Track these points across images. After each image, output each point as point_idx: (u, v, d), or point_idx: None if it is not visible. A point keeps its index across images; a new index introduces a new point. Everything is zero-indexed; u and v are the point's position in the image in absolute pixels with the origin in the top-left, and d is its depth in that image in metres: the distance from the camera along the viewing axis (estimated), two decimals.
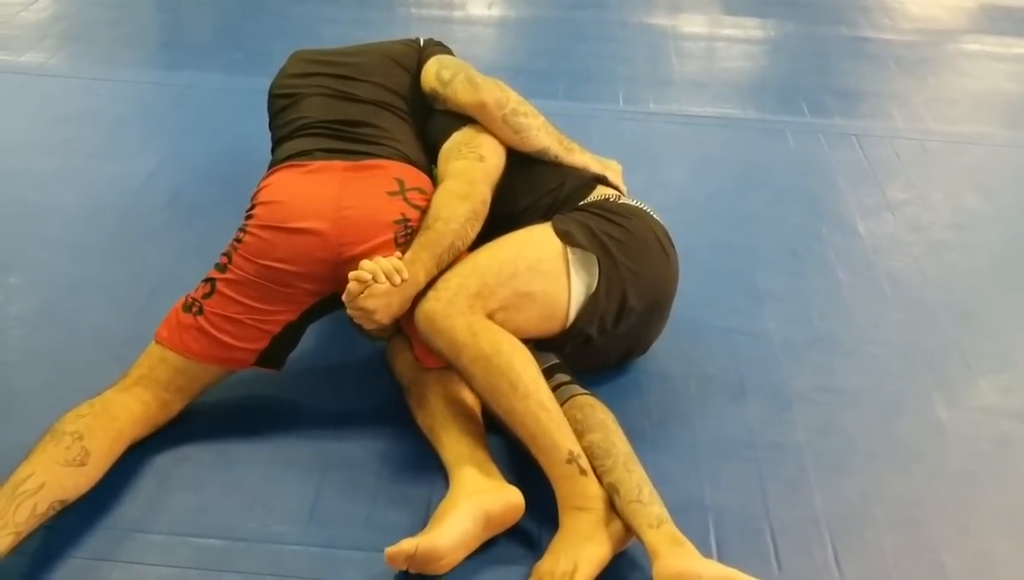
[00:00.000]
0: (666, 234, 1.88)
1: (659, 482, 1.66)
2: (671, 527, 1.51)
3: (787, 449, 1.80)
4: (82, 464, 1.55)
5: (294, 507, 1.61)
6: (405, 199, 1.76)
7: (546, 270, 1.74)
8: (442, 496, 1.60)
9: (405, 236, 1.73)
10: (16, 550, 1.44)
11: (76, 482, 1.54)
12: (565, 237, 1.76)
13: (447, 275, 1.70)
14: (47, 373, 1.88)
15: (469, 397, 1.75)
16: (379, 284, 1.62)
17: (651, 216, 1.88)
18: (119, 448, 1.63)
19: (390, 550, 1.45)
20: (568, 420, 1.63)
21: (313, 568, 1.51)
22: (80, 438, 1.57)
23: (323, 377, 1.91)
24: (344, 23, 3.71)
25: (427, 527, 1.51)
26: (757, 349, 2.07)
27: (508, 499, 1.55)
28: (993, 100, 3.47)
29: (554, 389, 1.67)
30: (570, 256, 1.74)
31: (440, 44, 2.17)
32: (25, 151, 2.69)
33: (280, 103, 2.07)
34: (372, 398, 1.86)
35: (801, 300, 2.24)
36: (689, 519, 1.59)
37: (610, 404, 1.84)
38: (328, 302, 1.77)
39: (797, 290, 2.27)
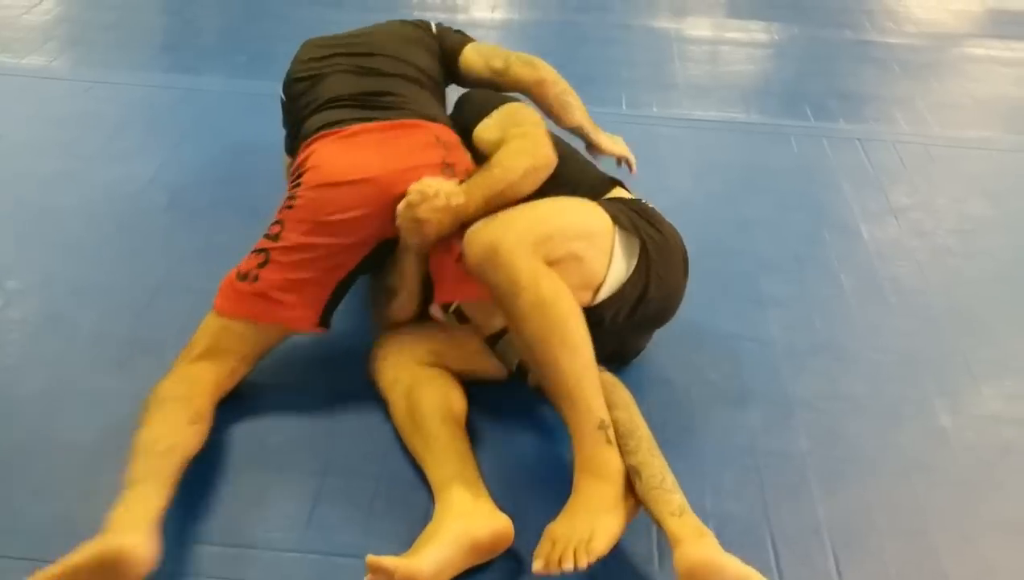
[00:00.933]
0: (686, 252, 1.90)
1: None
2: (693, 517, 1.51)
3: (789, 457, 1.79)
4: (198, 422, 1.63)
5: (292, 513, 1.60)
6: (445, 148, 1.85)
7: (598, 243, 1.74)
8: None
9: (450, 176, 1.78)
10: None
11: (199, 439, 1.62)
12: (615, 220, 1.77)
13: (513, 214, 1.69)
14: (47, 377, 1.87)
15: (456, 411, 1.73)
16: (437, 199, 1.68)
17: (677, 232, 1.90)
18: (213, 409, 1.70)
19: (372, 559, 1.40)
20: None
21: (311, 575, 1.50)
22: (189, 399, 1.65)
23: (321, 383, 1.91)
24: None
25: (412, 549, 1.48)
26: (760, 355, 2.06)
27: (496, 526, 1.51)
28: (998, 105, 3.45)
29: None
30: (617, 238, 1.75)
31: (458, 31, 2.28)
32: (26, 154, 2.68)
33: (300, 86, 2.10)
34: (371, 405, 1.85)
35: (804, 306, 2.23)
36: None
37: None
38: (378, 254, 1.83)
39: (800, 296, 2.26)
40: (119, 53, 3.42)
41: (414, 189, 1.72)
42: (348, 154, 1.84)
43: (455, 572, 1.48)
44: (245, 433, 1.77)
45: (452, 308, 1.85)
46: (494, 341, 1.81)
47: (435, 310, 1.88)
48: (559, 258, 1.66)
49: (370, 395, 1.87)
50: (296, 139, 2.01)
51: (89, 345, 1.96)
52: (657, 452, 1.59)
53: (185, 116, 2.96)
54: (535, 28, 3.97)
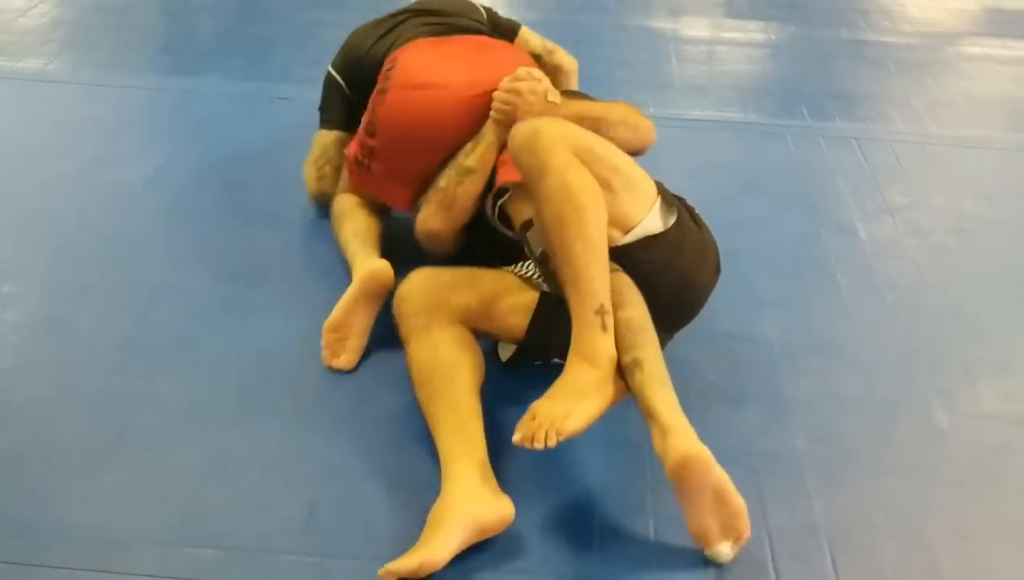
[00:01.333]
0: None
1: (657, 489, 1.66)
2: (684, 417, 1.56)
3: (786, 457, 1.79)
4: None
5: (291, 516, 1.60)
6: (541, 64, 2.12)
7: (638, 192, 1.80)
8: None
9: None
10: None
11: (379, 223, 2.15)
12: (659, 188, 1.85)
13: (570, 122, 1.76)
14: (44, 381, 1.88)
15: (480, 385, 1.75)
16: (540, 84, 1.91)
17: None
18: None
19: (393, 566, 1.44)
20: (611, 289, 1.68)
21: (310, 577, 1.50)
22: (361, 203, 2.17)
23: (319, 385, 1.91)
24: (346, 27, 3.64)
25: (424, 536, 1.50)
26: (757, 355, 2.06)
27: (502, 512, 1.55)
28: (994, 103, 3.46)
29: None
30: (658, 203, 1.81)
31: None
32: (24, 157, 2.69)
33: (375, 48, 2.30)
34: (369, 406, 1.85)
35: (801, 305, 2.23)
36: (686, 529, 1.59)
37: (609, 411, 1.84)
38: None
39: (797, 295, 2.26)
40: (117, 55, 3.42)
41: (523, 69, 1.94)
42: (437, 59, 2.08)
43: (458, 552, 1.52)
44: (243, 435, 1.77)
45: (498, 206, 1.93)
46: (526, 228, 1.83)
47: (488, 205, 1.98)
48: (597, 177, 1.70)
49: (367, 396, 1.87)
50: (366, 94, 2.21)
51: (87, 348, 1.96)
52: (662, 357, 1.64)
53: (183, 118, 2.96)
54: (533, 29, 3.96)
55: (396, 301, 1.85)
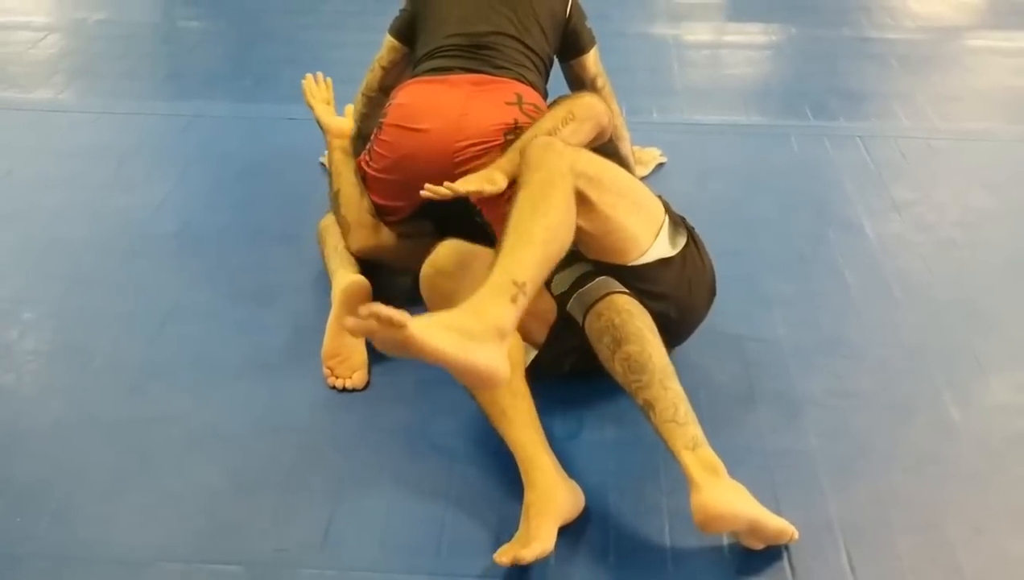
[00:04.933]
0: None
1: (671, 491, 1.67)
2: (707, 451, 1.55)
3: (799, 455, 1.80)
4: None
5: (308, 531, 1.62)
6: (521, 110, 2.06)
7: (647, 214, 1.82)
8: (454, 517, 1.63)
9: (514, 137, 1.99)
10: None
11: None
12: (667, 208, 1.88)
13: (579, 148, 1.79)
14: (62, 406, 1.90)
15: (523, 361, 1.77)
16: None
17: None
18: None
19: (509, 551, 1.48)
20: (605, 324, 1.68)
21: None
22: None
23: (332, 400, 1.92)
24: (350, 47, 3.72)
25: (533, 526, 1.53)
26: (767, 355, 2.07)
27: (580, 500, 1.63)
28: (998, 96, 3.46)
29: (586, 275, 1.76)
30: (665, 225, 1.83)
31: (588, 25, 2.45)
32: (35, 187, 2.72)
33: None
34: (383, 419, 1.87)
35: (810, 304, 2.24)
36: None
37: (619, 417, 1.86)
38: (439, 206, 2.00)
39: (806, 294, 2.27)
40: (125, 83, 3.47)
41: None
42: (432, 97, 2.11)
43: None
44: (259, 451, 1.79)
45: None
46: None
47: None
48: (604, 204, 1.71)
49: (380, 409, 1.89)
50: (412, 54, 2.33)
51: (103, 373, 1.99)
52: (671, 382, 1.62)
53: (191, 142, 3.00)
54: None
55: (428, 273, 1.83)
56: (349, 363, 1.95)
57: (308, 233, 2.41)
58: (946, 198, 2.70)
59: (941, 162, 2.91)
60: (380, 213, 2.17)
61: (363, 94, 2.45)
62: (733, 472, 1.72)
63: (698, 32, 4.06)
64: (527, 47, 2.26)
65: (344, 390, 1.93)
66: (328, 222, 2.27)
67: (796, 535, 1.58)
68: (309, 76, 2.36)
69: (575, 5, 2.39)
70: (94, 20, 4.05)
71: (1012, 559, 1.60)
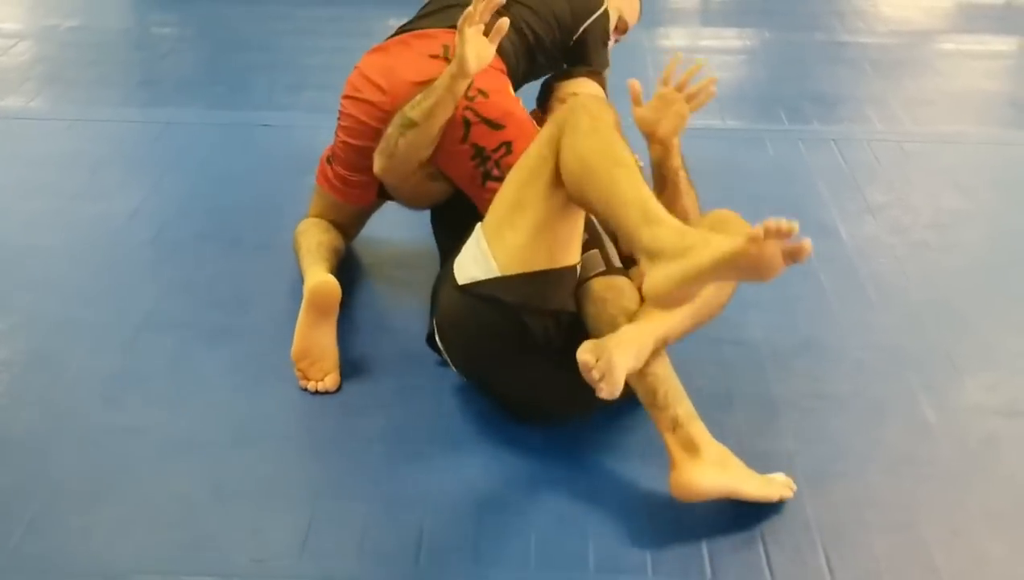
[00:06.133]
0: None
1: (650, 495, 1.68)
2: (687, 430, 1.62)
3: (777, 457, 1.80)
4: (331, 231, 2.23)
5: (286, 539, 1.61)
6: (447, 60, 2.00)
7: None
8: (432, 525, 1.63)
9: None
10: None
11: (335, 237, 2.22)
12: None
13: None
14: (37, 416, 1.88)
15: None
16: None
17: None
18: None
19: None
20: (596, 300, 1.71)
21: None
22: (318, 223, 2.25)
23: (308, 407, 1.92)
24: (326, 52, 3.73)
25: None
26: (744, 358, 2.08)
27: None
28: (970, 98, 3.50)
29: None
30: None
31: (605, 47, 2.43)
32: (7, 195, 2.70)
33: None
34: (359, 427, 1.86)
35: (786, 307, 2.25)
36: (680, 530, 1.61)
37: (599, 419, 1.86)
38: None
39: (782, 297, 2.28)
40: (98, 90, 3.44)
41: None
42: (367, 68, 2.10)
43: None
44: (236, 460, 1.77)
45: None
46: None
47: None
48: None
49: (355, 415, 1.88)
50: None
51: (77, 383, 1.97)
52: (650, 369, 1.66)
53: (165, 150, 2.98)
54: None
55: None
56: (320, 365, 1.94)
57: (283, 241, 2.39)
58: (919, 200, 2.72)
59: (914, 165, 2.94)
60: (345, 184, 2.20)
61: None
62: None
63: (673, 37, 4.07)
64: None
65: (317, 393, 1.92)
66: (304, 226, 2.26)
67: (787, 494, 1.67)
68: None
69: (595, 26, 2.36)
70: (66, 27, 4.02)
71: (989, 560, 1.61)
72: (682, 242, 1.46)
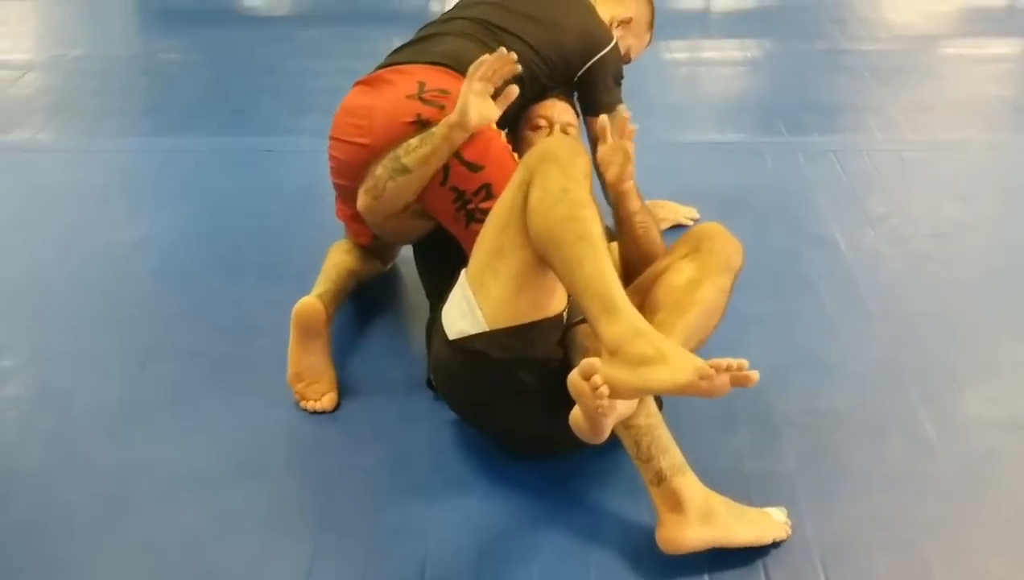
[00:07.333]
0: None
1: (651, 524, 1.68)
2: (671, 484, 1.61)
3: (777, 476, 1.81)
4: (352, 251, 2.27)
5: (291, 571, 1.62)
6: (422, 100, 1.97)
7: None
8: (435, 557, 1.64)
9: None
10: None
11: (354, 258, 2.24)
12: None
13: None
14: (45, 452, 1.90)
15: None
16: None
17: None
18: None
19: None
20: (579, 349, 1.70)
21: None
22: (339, 246, 2.29)
23: (312, 438, 1.94)
24: (332, 74, 3.73)
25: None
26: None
27: None
28: (970, 104, 3.49)
29: None
30: None
31: (617, 83, 2.35)
32: (13, 229, 2.72)
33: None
34: (362, 458, 1.88)
35: (786, 322, 2.25)
36: (681, 556, 1.61)
37: (598, 449, 1.84)
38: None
39: (781, 313, 2.29)
40: (103, 120, 3.47)
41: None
42: (348, 108, 2.07)
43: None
44: (239, 494, 1.79)
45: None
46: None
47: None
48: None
49: (358, 445, 1.90)
50: None
51: (84, 417, 1.99)
52: (633, 421, 1.64)
53: (170, 178, 3.00)
54: None
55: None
56: (317, 387, 1.97)
57: (288, 267, 2.42)
58: (919, 211, 2.72)
59: (914, 174, 2.94)
60: (349, 219, 2.21)
61: None
62: None
63: (674, 50, 4.08)
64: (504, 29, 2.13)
65: (315, 412, 1.95)
66: (331, 247, 2.27)
67: (781, 535, 1.66)
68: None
69: (602, 63, 2.26)
70: (72, 56, 4.06)
71: (989, 577, 1.62)
72: (637, 349, 1.48)
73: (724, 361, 1.43)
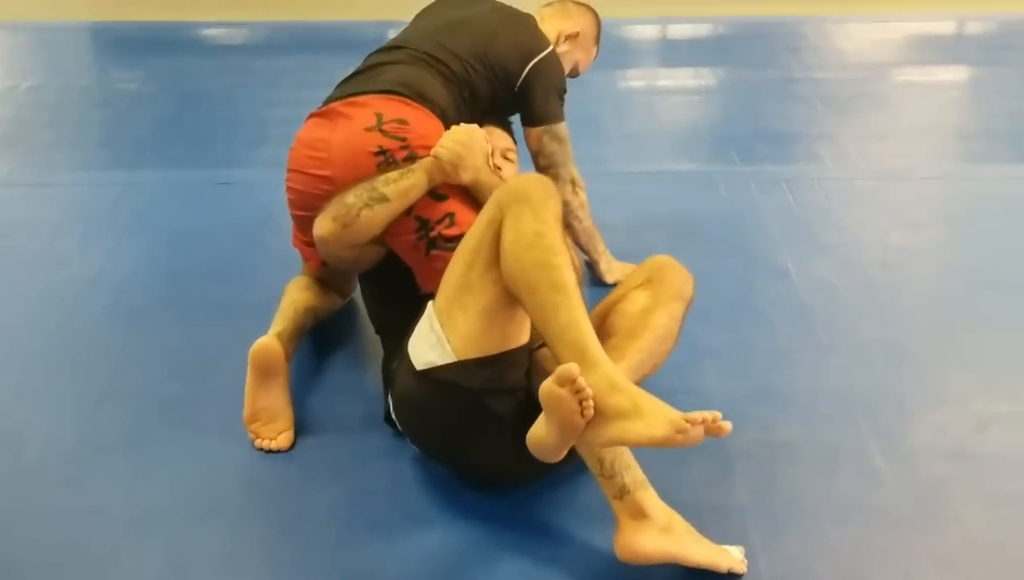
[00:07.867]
0: None
1: (605, 549, 1.70)
2: (635, 497, 1.65)
3: (730, 510, 1.83)
4: (311, 288, 2.26)
5: None
6: (382, 132, 1.99)
7: None
8: None
9: (386, 164, 1.99)
10: None
11: (312, 295, 2.24)
12: None
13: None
14: None
15: None
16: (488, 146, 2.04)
17: None
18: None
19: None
20: (539, 371, 1.73)
21: None
22: (297, 282, 2.28)
23: (270, 479, 1.93)
24: (285, 104, 3.74)
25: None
26: (698, 407, 2.06)
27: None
28: (918, 132, 3.57)
29: None
30: None
31: (559, 95, 2.42)
32: None
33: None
34: (320, 497, 1.88)
35: (740, 353, 2.28)
36: None
37: (560, 476, 1.88)
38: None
39: (735, 343, 2.32)
40: (56, 153, 3.44)
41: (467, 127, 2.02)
42: (306, 142, 2.08)
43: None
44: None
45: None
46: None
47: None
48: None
49: (318, 486, 1.90)
50: None
51: (38, 459, 1.97)
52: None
53: (125, 212, 2.97)
54: None
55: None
56: (274, 425, 1.97)
57: (244, 304, 2.41)
58: (869, 239, 2.77)
59: (864, 202, 2.99)
60: (307, 247, 2.19)
61: None
62: None
63: (630, 79, 4.13)
64: (439, 61, 2.16)
65: (270, 451, 1.95)
66: (289, 284, 2.27)
67: (737, 568, 1.68)
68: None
69: (540, 69, 2.29)
70: (25, 87, 4.03)
71: None
72: (614, 403, 1.52)
73: (699, 415, 1.48)
